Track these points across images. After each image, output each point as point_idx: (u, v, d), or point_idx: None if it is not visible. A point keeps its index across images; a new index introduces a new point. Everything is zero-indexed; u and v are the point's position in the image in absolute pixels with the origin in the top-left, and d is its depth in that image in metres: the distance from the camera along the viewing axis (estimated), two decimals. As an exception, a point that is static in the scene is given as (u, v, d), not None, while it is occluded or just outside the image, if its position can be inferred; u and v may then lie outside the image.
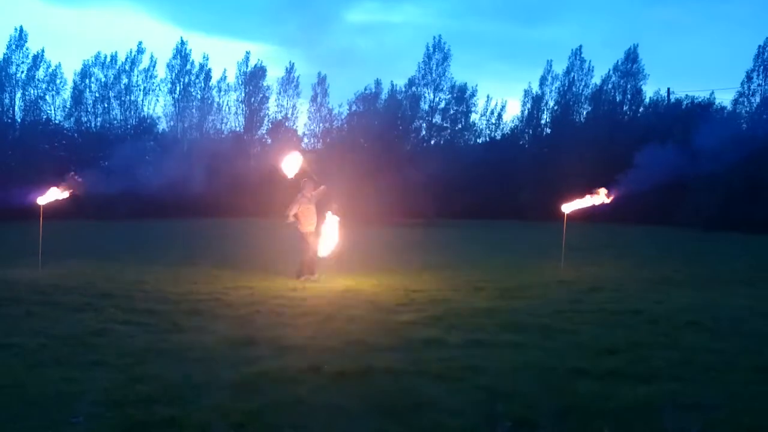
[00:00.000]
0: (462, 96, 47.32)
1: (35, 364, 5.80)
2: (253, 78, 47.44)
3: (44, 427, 4.32)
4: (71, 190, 14.10)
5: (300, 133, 48.17)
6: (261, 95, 47.64)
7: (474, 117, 49.15)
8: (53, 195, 13.77)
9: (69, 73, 43.30)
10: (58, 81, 42.93)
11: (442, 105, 47.35)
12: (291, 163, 12.65)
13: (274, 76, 56.90)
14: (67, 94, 43.27)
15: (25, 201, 14.82)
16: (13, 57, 41.68)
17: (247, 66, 47.56)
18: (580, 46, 47.91)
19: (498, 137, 49.65)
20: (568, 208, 15.49)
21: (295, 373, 5.57)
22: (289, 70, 48.45)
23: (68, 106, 43.29)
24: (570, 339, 7.16)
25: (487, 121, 49.78)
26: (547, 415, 4.57)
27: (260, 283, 11.59)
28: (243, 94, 47.56)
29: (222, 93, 47.37)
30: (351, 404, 4.83)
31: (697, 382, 5.50)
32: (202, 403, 4.78)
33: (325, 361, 5.88)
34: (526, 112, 49.21)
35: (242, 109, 47.54)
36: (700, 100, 42.80)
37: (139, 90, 45.20)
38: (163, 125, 46.19)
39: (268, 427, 4.38)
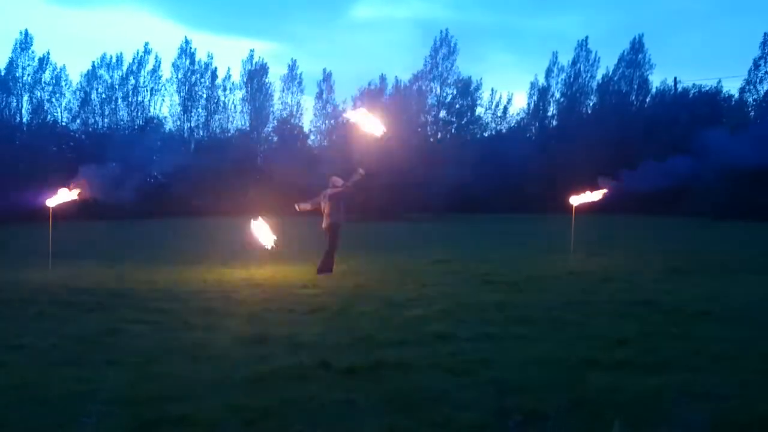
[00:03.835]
0: (467, 89, 47.20)
1: (47, 364, 5.82)
2: (256, 76, 47.45)
3: (56, 427, 4.34)
4: (79, 191, 14.13)
5: (306, 129, 48.22)
6: (265, 93, 47.64)
7: (479, 110, 49.08)
8: (63, 197, 13.83)
9: (75, 75, 43.62)
10: (62, 83, 43.08)
11: (449, 99, 47.26)
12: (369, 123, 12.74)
13: (279, 74, 56.85)
14: (72, 95, 43.49)
15: (34, 203, 14.89)
16: (19, 60, 41.87)
17: (251, 64, 47.64)
18: (586, 37, 47.86)
19: (504, 130, 49.55)
20: (576, 200, 15.45)
21: (306, 369, 5.57)
22: (292, 67, 48.47)
23: (75, 108, 43.49)
24: (580, 331, 7.14)
25: (493, 114, 49.69)
26: (559, 408, 4.55)
27: (270, 280, 11.61)
28: (247, 93, 47.60)
29: (227, 92, 47.46)
30: (362, 399, 4.82)
31: (708, 372, 5.48)
32: (213, 401, 4.79)
33: (335, 358, 5.88)
34: (532, 104, 49.16)
35: (247, 108, 47.57)
36: (707, 88, 42.61)
37: (146, 90, 45.33)
38: (169, 125, 46.33)
39: (279, 424, 4.38)
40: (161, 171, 37.04)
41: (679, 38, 73.83)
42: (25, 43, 41.75)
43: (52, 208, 13.79)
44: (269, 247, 13.53)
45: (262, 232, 13.67)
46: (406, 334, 7.03)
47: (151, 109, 45.70)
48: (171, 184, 36.81)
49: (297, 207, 12.98)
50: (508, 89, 78.66)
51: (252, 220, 13.94)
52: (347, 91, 73.26)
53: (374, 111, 13.25)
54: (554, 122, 49.14)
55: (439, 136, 47.83)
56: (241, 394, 4.97)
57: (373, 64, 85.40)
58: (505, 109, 49.69)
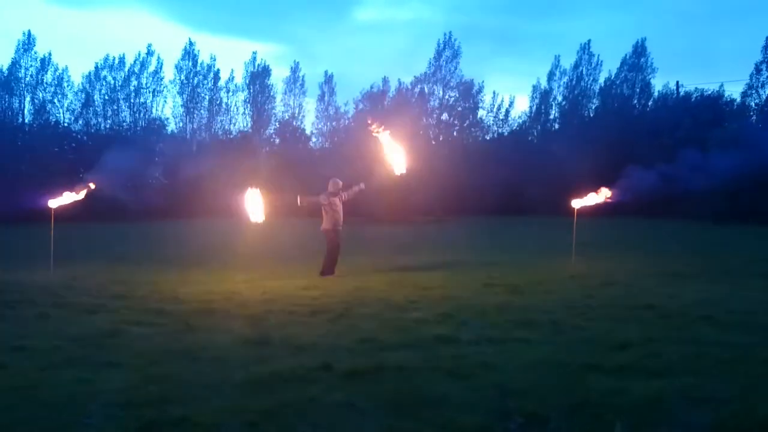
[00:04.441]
0: (469, 92, 47.23)
1: (48, 366, 5.82)
2: (258, 78, 47.55)
3: (58, 428, 4.34)
4: (84, 191, 14.14)
5: (308, 132, 48.30)
6: (267, 95, 47.74)
7: (481, 113, 49.09)
8: (67, 198, 13.84)
9: (77, 76, 43.82)
10: (65, 84, 43.15)
11: (451, 102, 47.30)
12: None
13: (281, 76, 56.99)
14: (74, 96, 43.57)
15: (36, 204, 14.91)
16: (22, 61, 41.94)
17: (254, 66, 47.77)
18: (589, 41, 47.91)
19: (505, 133, 49.55)
20: (578, 203, 15.42)
21: (308, 371, 5.57)
22: (294, 69, 48.58)
23: (77, 109, 43.56)
24: (582, 334, 7.13)
25: (495, 117, 49.68)
26: (560, 411, 4.55)
27: (272, 282, 11.61)
28: (249, 95, 47.68)
29: (230, 93, 47.53)
30: (363, 402, 4.82)
31: (710, 376, 5.47)
32: (214, 403, 4.79)
33: (336, 360, 5.88)
34: (534, 107, 49.13)
35: (249, 109, 47.65)
36: (709, 92, 42.55)
37: (148, 92, 45.40)
38: (172, 126, 46.40)
39: (280, 426, 4.38)
40: (166, 173, 37.03)
41: (681, 42, 73.86)
42: (27, 43, 41.85)
43: (54, 209, 13.80)
44: (257, 221, 12.73)
45: (255, 204, 12.66)
46: (407, 336, 7.03)
47: (154, 111, 45.81)
48: (172, 185, 36.79)
49: (299, 199, 12.90)
50: (510, 92, 78.69)
51: (248, 189, 12.74)
52: (349, 94, 73.22)
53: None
54: (556, 125, 49.12)
55: (441, 138, 47.84)
56: (241, 395, 4.97)
57: (375, 67, 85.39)
58: (507, 111, 49.73)
